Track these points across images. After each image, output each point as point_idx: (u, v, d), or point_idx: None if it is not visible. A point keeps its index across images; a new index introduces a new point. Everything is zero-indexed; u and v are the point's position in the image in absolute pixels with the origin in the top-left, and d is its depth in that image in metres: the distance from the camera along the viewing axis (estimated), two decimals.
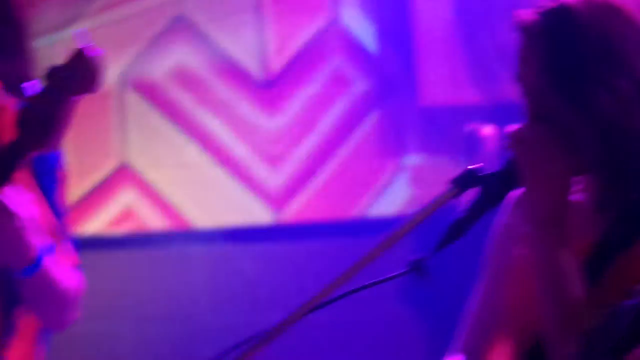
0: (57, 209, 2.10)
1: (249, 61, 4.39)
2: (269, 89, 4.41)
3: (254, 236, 4.36)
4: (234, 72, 4.38)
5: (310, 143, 4.43)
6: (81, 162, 4.08)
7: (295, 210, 4.41)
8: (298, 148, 4.42)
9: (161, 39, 4.33)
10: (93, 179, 4.25)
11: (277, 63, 4.42)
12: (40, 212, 2.06)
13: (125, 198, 4.31)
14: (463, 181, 1.57)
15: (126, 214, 4.29)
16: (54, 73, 1.81)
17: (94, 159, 4.25)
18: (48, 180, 2.10)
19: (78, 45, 1.80)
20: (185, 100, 4.35)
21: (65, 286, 2.04)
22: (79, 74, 1.81)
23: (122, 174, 4.31)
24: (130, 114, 4.33)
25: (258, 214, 4.38)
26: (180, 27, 4.35)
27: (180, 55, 4.35)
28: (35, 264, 1.94)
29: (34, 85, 1.84)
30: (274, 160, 4.40)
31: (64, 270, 2.05)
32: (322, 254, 4.22)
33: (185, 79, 4.35)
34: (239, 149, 4.38)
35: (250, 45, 4.39)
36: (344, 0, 4.46)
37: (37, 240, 1.94)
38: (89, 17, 4.27)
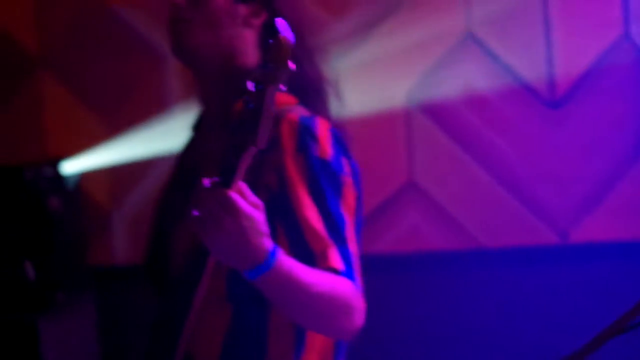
0: (330, 214, 2.09)
1: (537, 80, 4.35)
2: (557, 108, 4.35)
3: (539, 257, 4.32)
4: (521, 92, 4.36)
5: (599, 162, 4.34)
6: (368, 180, 4.17)
7: (582, 232, 4.33)
8: (586, 168, 4.34)
9: (449, 58, 4.36)
10: (380, 197, 4.34)
11: (565, 82, 4.36)
12: (307, 214, 2.06)
13: (411, 217, 4.37)
14: None
15: (412, 233, 4.35)
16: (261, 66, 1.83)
17: (380, 178, 4.33)
18: (325, 184, 2.11)
19: (280, 33, 1.81)
20: (472, 119, 4.36)
21: (319, 291, 1.98)
22: (275, 62, 1.82)
23: (408, 193, 4.38)
24: (417, 133, 4.38)
25: (544, 234, 4.33)
26: (468, 45, 4.37)
27: (468, 74, 4.37)
28: (262, 266, 1.89)
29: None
30: (560, 181, 4.34)
31: (319, 275, 2.00)
32: (612, 276, 4.14)
33: (473, 98, 4.36)
34: (525, 169, 4.35)
35: (538, 63, 4.35)
36: (634, 15, 4.34)
37: (264, 241, 1.88)
38: (376, 38, 4.38)
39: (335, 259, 2.05)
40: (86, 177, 4.32)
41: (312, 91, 2.27)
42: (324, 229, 2.07)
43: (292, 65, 1.84)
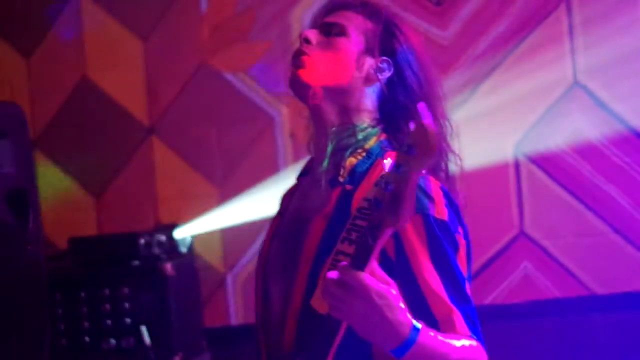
0: (451, 275, 2.07)
1: None
2: None
3: None
4: (631, 138, 4.30)
5: None
6: (480, 232, 4.15)
7: None
8: None
9: (557, 107, 4.34)
10: (492, 249, 4.31)
11: None
12: (429, 279, 2.04)
13: (523, 268, 4.33)
14: None
15: (525, 284, 4.31)
16: (402, 148, 1.81)
17: (492, 230, 4.31)
18: (445, 245, 2.08)
19: (422, 119, 1.78)
20: (583, 168, 4.32)
21: (457, 357, 1.98)
22: (422, 148, 1.78)
23: (520, 244, 4.34)
24: (527, 184, 4.35)
25: None
26: (576, 94, 4.34)
27: (577, 123, 4.33)
28: (407, 342, 1.88)
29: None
30: None
31: (454, 339, 1.99)
32: None
33: (582, 147, 4.32)
34: (637, 215, 4.28)
35: None
36: None
37: (404, 317, 1.87)
38: (485, 91, 4.38)
39: (460, 324, 2.03)
40: (199, 241, 4.39)
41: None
42: (446, 294, 2.05)
43: (438, 153, 1.82)
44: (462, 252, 2.12)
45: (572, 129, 4.33)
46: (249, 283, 4.47)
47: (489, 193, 4.27)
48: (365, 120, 2.24)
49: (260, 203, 4.43)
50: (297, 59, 2.23)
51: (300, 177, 2.36)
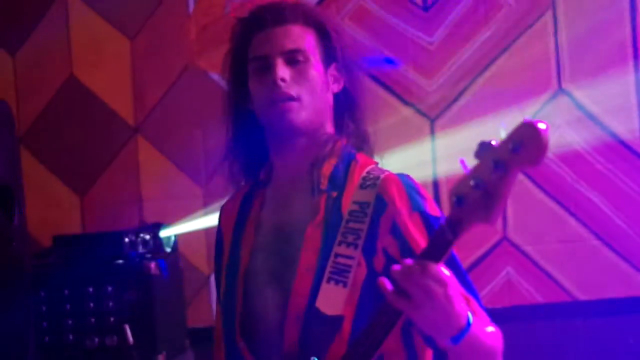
0: (457, 267, 2.13)
1: (629, 132, 4.33)
2: None
3: (636, 308, 4.26)
4: (613, 145, 4.33)
5: None
6: (463, 237, 4.17)
7: None
8: None
9: (541, 114, 4.36)
10: (475, 254, 4.33)
11: None
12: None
13: (505, 273, 4.35)
14: None
15: (506, 289, 4.33)
16: (503, 146, 1.78)
17: (475, 234, 4.30)
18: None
19: (542, 126, 1.73)
20: (566, 174, 4.34)
21: (492, 346, 2.06)
22: (526, 147, 1.74)
23: (502, 249, 4.36)
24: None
25: (639, 285, 4.29)
26: (560, 101, 4.37)
27: (561, 129, 4.36)
28: (465, 330, 1.93)
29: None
30: None
31: (489, 334, 2.06)
32: None
33: (566, 153, 4.35)
34: (621, 222, 4.31)
35: (630, 116, 4.33)
36: None
37: (464, 307, 1.93)
38: (468, 95, 4.40)
39: (479, 310, 2.11)
40: (183, 242, 4.39)
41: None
42: (460, 284, 2.09)
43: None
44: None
45: (556, 135, 4.35)
46: None
47: None
48: (328, 129, 2.30)
49: None
50: (283, 105, 2.24)
51: (254, 189, 2.37)
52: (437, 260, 1.85)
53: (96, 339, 3.89)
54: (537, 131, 1.72)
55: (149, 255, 4.04)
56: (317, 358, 2.09)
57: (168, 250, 4.22)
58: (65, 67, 4.63)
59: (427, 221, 2.15)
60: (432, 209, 2.18)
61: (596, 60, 4.34)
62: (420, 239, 2.12)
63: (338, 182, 2.24)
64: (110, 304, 3.90)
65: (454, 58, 4.44)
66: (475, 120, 4.31)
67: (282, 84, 2.23)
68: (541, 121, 1.73)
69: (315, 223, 2.21)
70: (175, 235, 4.30)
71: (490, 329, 2.08)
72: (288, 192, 2.30)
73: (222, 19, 4.57)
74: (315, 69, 2.27)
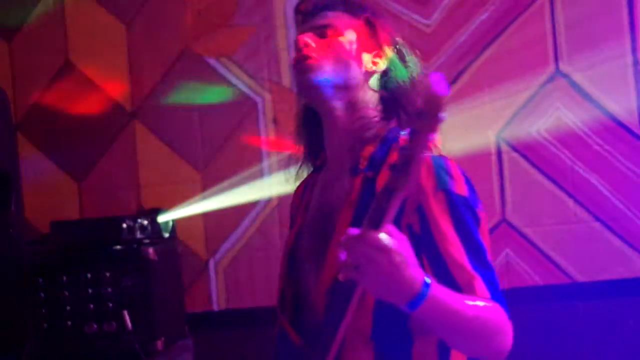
0: (474, 246, 2.15)
1: (627, 114, 4.32)
2: None
3: (636, 289, 4.27)
4: (611, 126, 4.33)
5: None
6: None
7: None
8: None
9: (539, 96, 4.36)
10: None
11: None
12: (451, 250, 2.13)
13: (504, 255, 4.36)
14: None
15: (505, 271, 4.33)
16: (417, 114, 1.88)
17: None
18: (467, 219, 2.17)
19: (433, 86, 1.85)
20: (564, 156, 4.34)
21: (471, 315, 2.05)
22: (432, 114, 1.85)
23: (502, 232, 4.37)
24: (508, 171, 4.37)
25: (637, 266, 4.29)
26: (558, 83, 4.36)
27: (559, 112, 4.35)
28: (420, 296, 1.95)
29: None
30: None
31: (469, 299, 2.06)
32: None
33: (564, 135, 4.35)
34: (618, 203, 4.31)
35: (627, 97, 4.33)
36: None
37: (417, 272, 1.95)
38: (464, 81, 4.39)
39: (481, 288, 2.12)
40: (182, 227, 4.38)
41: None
42: (468, 262, 2.13)
43: (444, 116, 1.88)
44: (484, 225, 2.21)
45: (554, 117, 4.35)
46: (230, 269, 4.49)
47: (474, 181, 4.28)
48: (371, 111, 2.35)
49: (243, 189, 4.43)
50: (303, 63, 2.32)
51: (314, 174, 2.48)
52: (376, 227, 1.91)
53: (94, 325, 3.89)
54: (434, 94, 1.84)
55: (147, 241, 4.03)
56: (338, 327, 2.10)
57: (166, 235, 4.22)
58: (61, 53, 4.62)
59: (451, 200, 2.17)
60: (460, 189, 2.20)
61: (593, 42, 4.33)
62: (440, 218, 2.15)
63: (376, 163, 2.28)
64: (109, 289, 3.90)
65: (451, 41, 4.43)
66: (473, 102, 4.31)
67: (304, 47, 2.32)
68: (440, 86, 1.84)
69: (348, 202, 2.27)
70: (173, 221, 4.30)
71: (479, 302, 2.07)
72: (332, 174, 2.37)
73: (217, 3, 4.56)
74: (347, 43, 2.34)
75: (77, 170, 4.60)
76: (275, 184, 4.45)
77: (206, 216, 4.47)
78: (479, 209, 2.21)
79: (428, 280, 1.96)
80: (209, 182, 4.48)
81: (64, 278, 3.93)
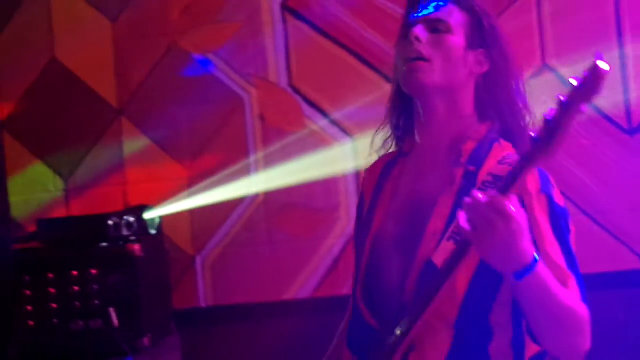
0: (569, 250, 2.24)
1: (614, 108, 4.33)
2: (634, 135, 4.33)
3: (623, 282, 4.28)
4: (598, 120, 4.33)
5: None
6: None
7: None
8: None
9: (526, 89, 4.36)
10: None
11: None
12: (550, 250, 2.20)
13: None
14: None
15: None
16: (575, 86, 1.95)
17: None
18: (564, 226, 2.25)
19: (597, 59, 1.93)
20: None
21: (566, 304, 2.12)
22: (591, 86, 1.94)
23: None
24: None
25: (626, 260, 4.30)
26: (544, 77, 4.36)
27: (545, 105, 4.34)
28: (528, 268, 2.02)
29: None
30: (639, 207, 4.30)
31: (564, 292, 2.12)
32: None
33: None
34: (605, 197, 4.32)
35: (614, 91, 4.33)
36: None
37: (529, 246, 2.02)
38: None
39: (573, 287, 2.19)
40: (168, 224, 4.38)
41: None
42: (564, 263, 2.21)
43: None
44: (573, 236, 2.30)
45: (540, 111, 4.34)
46: (217, 265, 4.48)
47: None
48: (469, 110, 2.39)
49: (229, 185, 4.43)
50: (414, 62, 2.34)
51: (398, 158, 2.50)
52: (503, 193, 1.98)
53: (81, 323, 3.89)
54: (597, 69, 1.93)
55: (133, 238, 4.03)
56: (423, 307, 2.18)
57: (153, 232, 4.21)
58: (47, 49, 4.61)
59: (552, 206, 2.24)
60: (559, 198, 2.28)
61: (580, 36, 4.33)
62: (540, 217, 2.22)
63: (478, 159, 2.33)
64: (95, 287, 3.90)
65: None
66: None
67: (416, 42, 2.34)
68: (603, 61, 1.94)
69: (449, 192, 2.31)
70: (159, 217, 4.29)
71: (573, 296, 2.14)
72: (427, 164, 2.40)
73: None
74: (456, 42, 2.37)
75: (63, 167, 4.59)
76: (261, 181, 4.45)
77: (193, 213, 4.47)
78: (570, 222, 2.29)
79: (537, 257, 2.03)
80: (195, 179, 4.48)
81: (50, 276, 3.93)
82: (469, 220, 1.99)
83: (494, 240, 1.97)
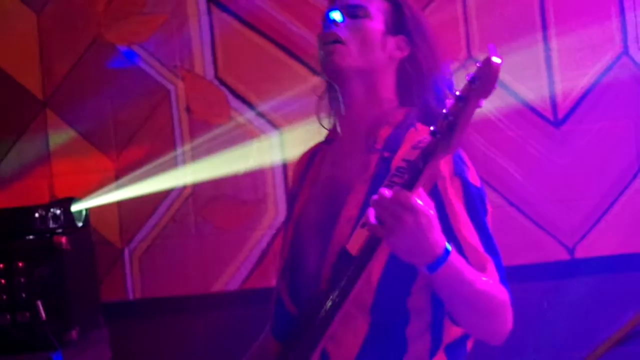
0: (485, 232, 2.24)
1: (539, 100, 4.39)
2: (559, 127, 4.39)
3: (550, 273, 4.33)
4: (524, 112, 4.39)
5: (600, 180, 4.36)
6: None
7: (587, 247, 4.35)
8: (588, 185, 4.36)
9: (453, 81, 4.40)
10: None
11: (566, 102, 4.40)
12: (465, 232, 2.21)
13: None
14: None
15: None
16: (470, 80, 1.95)
17: None
18: (479, 207, 2.26)
19: (490, 53, 1.93)
20: (478, 141, 4.38)
21: (483, 290, 2.13)
22: (485, 80, 1.94)
23: None
24: None
25: (552, 251, 4.35)
26: (469, 70, 4.40)
27: None
28: (440, 259, 2.03)
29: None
30: (565, 198, 4.36)
31: (480, 278, 2.13)
32: (616, 289, 4.15)
33: (478, 120, 4.38)
34: (531, 188, 4.37)
35: (540, 84, 4.39)
36: (632, 34, 4.39)
37: (440, 237, 2.03)
38: None
39: (492, 271, 2.20)
40: (96, 216, 4.34)
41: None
42: (480, 245, 2.22)
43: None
44: (490, 217, 2.30)
45: None
46: (145, 258, 4.46)
47: None
48: (389, 95, 2.41)
49: (156, 177, 4.41)
50: (330, 45, 2.37)
51: (322, 145, 2.53)
52: (409, 189, 1.99)
53: (8, 316, 3.84)
54: (490, 62, 1.94)
55: (60, 230, 3.99)
56: (342, 297, 2.20)
57: (79, 224, 4.17)
58: None
59: (467, 188, 2.25)
60: (473, 179, 2.28)
61: (505, 28, 4.38)
62: (455, 201, 2.23)
63: (393, 145, 2.34)
64: (22, 279, 3.85)
65: None
66: None
67: (332, 25, 2.37)
68: (497, 56, 1.94)
69: (363, 178, 2.32)
70: (86, 210, 4.25)
71: (489, 281, 2.16)
72: (345, 150, 2.43)
73: None
74: (373, 26, 2.39)
75: None
76: (189, 173, 4.43)
77: (120, 205, 4.43)
78: (487, 202, 2.30)
79: (449, 247, 2.04)
80: (122, 171, 4.45)
81: None
82: (377, 217, 2.00)
83: (403, 235, 1.98)
